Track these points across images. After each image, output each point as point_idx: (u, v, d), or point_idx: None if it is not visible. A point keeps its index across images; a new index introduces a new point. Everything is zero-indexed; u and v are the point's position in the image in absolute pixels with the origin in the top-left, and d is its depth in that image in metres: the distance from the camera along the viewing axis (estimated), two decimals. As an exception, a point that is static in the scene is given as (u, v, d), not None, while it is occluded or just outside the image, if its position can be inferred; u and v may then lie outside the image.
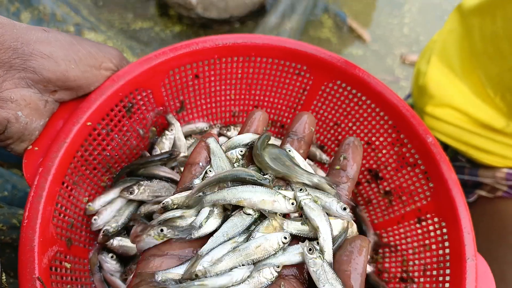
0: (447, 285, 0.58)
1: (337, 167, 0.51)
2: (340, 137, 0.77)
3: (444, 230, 0.61)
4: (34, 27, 0.55)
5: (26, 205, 0.52)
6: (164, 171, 0.68)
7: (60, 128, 0.57)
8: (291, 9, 1.78)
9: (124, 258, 0.64)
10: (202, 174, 0.46)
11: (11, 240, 0.63)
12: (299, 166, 0.48)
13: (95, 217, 0.65)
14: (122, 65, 0.63)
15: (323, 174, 0.78)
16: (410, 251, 0.67)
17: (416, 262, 0.66)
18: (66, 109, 0.60)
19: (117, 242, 0.62)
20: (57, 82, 0.55)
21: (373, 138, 0.72)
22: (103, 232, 0.62)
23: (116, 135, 0.66)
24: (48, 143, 0.57)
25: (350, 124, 0.74)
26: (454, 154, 0.97)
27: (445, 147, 0.98)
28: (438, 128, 0.89)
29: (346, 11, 2.40)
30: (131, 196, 0.64)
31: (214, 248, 0.41)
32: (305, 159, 0.52)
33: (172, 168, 0.70)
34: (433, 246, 0.63)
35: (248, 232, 0.43)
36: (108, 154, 0.65)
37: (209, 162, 0.48)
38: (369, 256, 0.44)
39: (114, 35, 1.30)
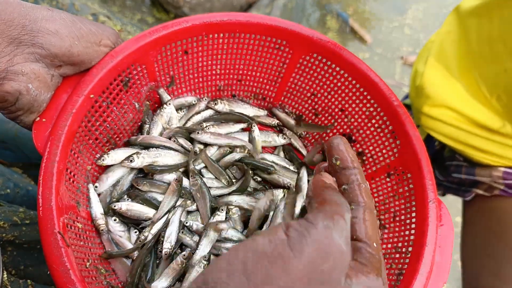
0: (413, 225, 0.67)
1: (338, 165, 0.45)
2: (316, 106, 0.85)
3: (410, 181, 0.70)
4: (39, 6, 0.59)
5: (41, 169, 0.58)
6: (160, 140, 0.74)
7: (66, 100, 0.62)
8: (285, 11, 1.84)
9: (134, 221, 0.70)
10: None
11: (12, 238, 0.66)
12: None
13: (96, 184, 0.70)
14: (118, 43, 0.68)
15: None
16: (382, 203, 0.77)
17: (387, 211, 0.75)
18: (69, 83, 0.64)
19: (125, 206, 0.68)
20: (62, 57, 0.60)
21: (346, 105, 0.80)
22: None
23: (115, 108, 0.71)
24: (55, 115, 0.62)
25: (326, 94, 0.82)
26: (451, 154, 0.99)
27: (443, 146, 1.02)
28: (435, 128, 0.92)
29: (349, 12, 2.49)
30: (132, 164, 0.70)
31: None
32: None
33: (169, 138, 0.76)
34: (401, 195, 0.72)
35: None
36: (108, 125, 0.71)
37: None
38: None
39: (129, 23, 1.32)
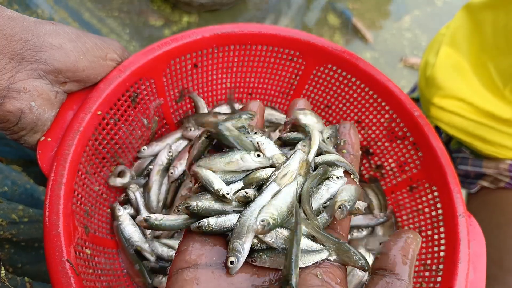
0: (442, 241, 0.64)
1: (344, 151, 0.51)
2: (331, 119, 0.82)
3: (435, 194, 0.67)
4: (42, 20, 0.56)
5: (47, 192, 0.54)
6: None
7: (72, 118, 0.58)
8: (288, 6, 1.83)
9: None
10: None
11: (10, 236, 0.63)
12: None
13: (144, 147, 0.73)
14: (124, 56, 0.65)
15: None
16: (405, 217, 0.73)
17: (411, 226, 0.71)
18: (74, 100, 0.61)
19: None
20: (67, 72, 0.57)
21: (363, 117, 0.77)
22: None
23: (123, 125, 0.67)
24: (60, 134, 0.58)
25: (340, 106, 0.79)
26: (458, 146, 1.00)
27: (449, 139, 1.02)
28: (444, 119, 0.91)
29: (352, 11, 2.50)
30: (189, 133, 0.75)
31: None
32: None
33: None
34: (426, 210, 0.69)
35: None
36: (116, 143, 0.67)
37: None
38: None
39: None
